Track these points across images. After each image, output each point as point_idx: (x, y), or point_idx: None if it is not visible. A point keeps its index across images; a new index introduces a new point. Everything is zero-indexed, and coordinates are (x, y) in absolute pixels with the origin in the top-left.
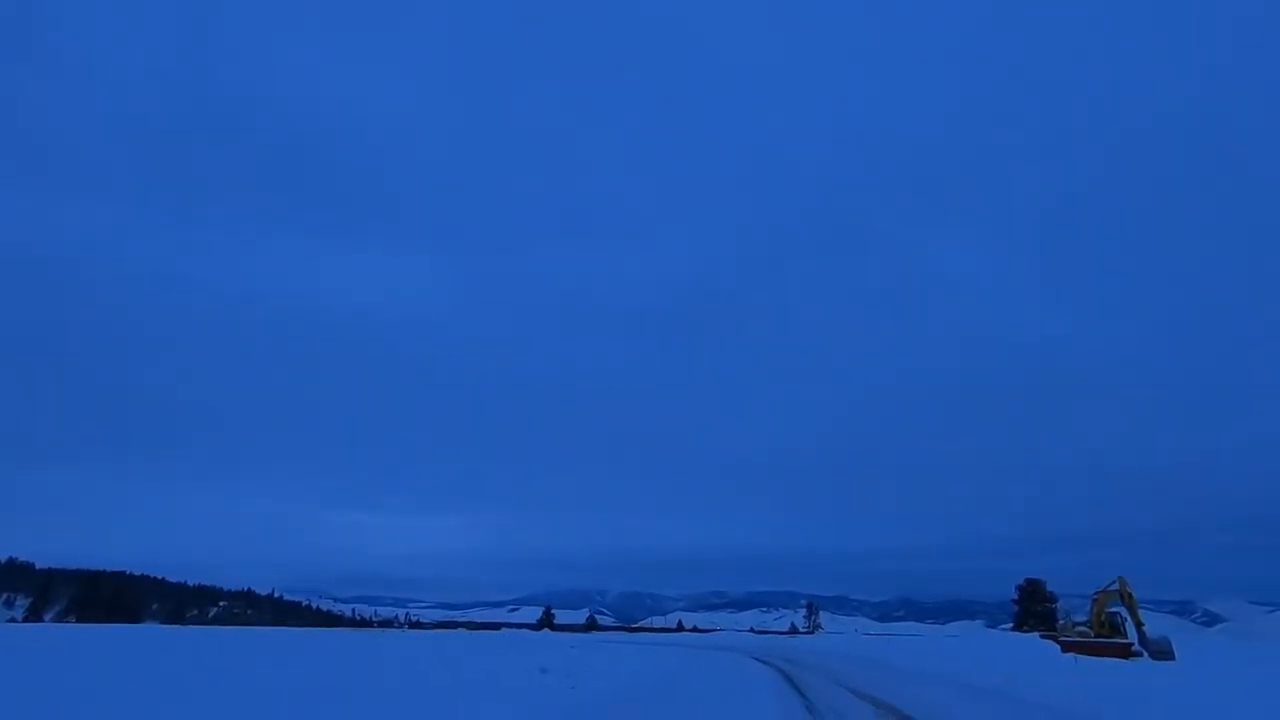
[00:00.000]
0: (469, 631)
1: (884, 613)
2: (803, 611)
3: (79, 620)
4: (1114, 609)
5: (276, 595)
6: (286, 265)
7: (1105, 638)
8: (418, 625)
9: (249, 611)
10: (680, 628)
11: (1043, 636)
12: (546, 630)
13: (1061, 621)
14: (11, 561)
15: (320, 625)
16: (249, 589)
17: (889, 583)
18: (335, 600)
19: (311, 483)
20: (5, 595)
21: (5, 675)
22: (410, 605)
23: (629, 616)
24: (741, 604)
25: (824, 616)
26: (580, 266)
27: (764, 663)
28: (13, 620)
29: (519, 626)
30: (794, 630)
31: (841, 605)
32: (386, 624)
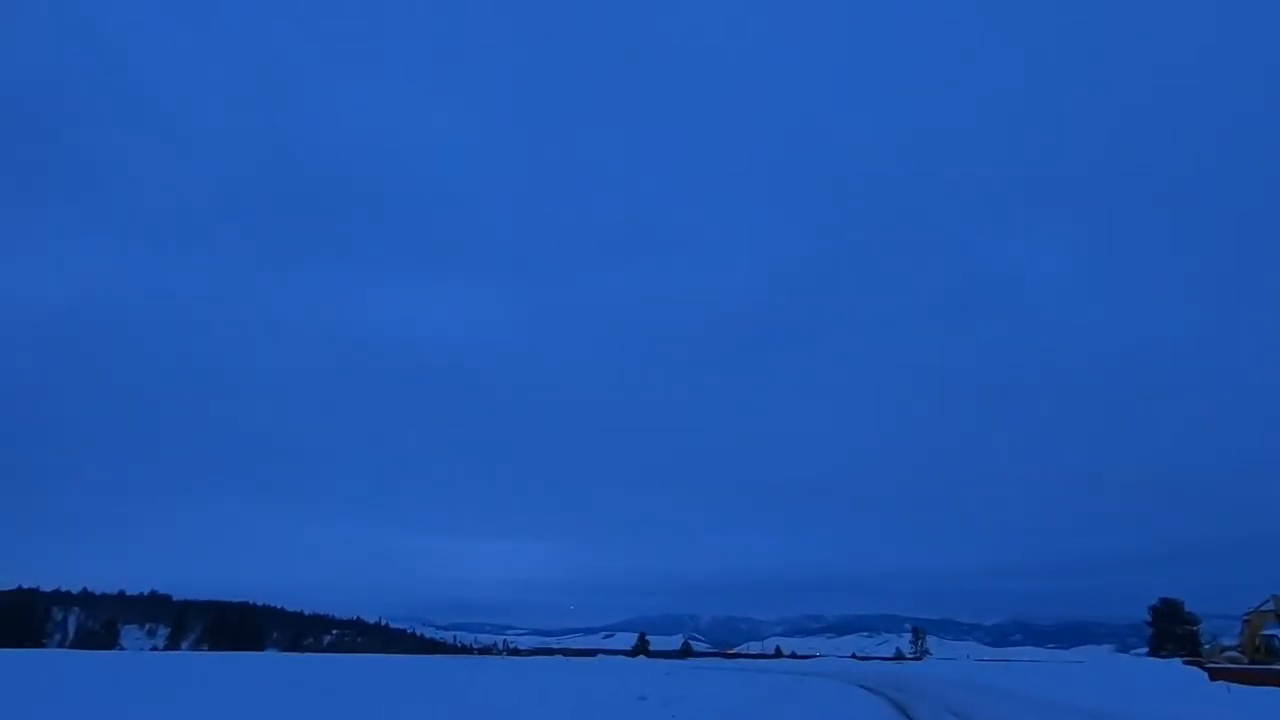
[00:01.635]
0: (565, 658)
1: (997, 637)
2: (908, 636)
3: (211, 648)
4: (1271, 631)
5: (383, 623)
6: (371, 303)
7: (1261, 663)
8: (516, 652)
9: (359, 639)
10: (778, 653)
11: (1186, 663)
12: (642, 656)
13: (1207, 645)
14: (152, 594)
15: (424, 652)
16: (358, 617)
17: (1000, 604)
18: (436, 627)
19: (410, 513)
20: (148, 625)
21: (213, 700)
22: (507, 632)
23: (724, 642)
24: (841, 628)
25: (931, 641)
26: (646, 288)
27: (870, 690)
28: (155, 648)
29: (614, 653)
30: (899, 656)
31: (949, 629)
32: (486, 650)
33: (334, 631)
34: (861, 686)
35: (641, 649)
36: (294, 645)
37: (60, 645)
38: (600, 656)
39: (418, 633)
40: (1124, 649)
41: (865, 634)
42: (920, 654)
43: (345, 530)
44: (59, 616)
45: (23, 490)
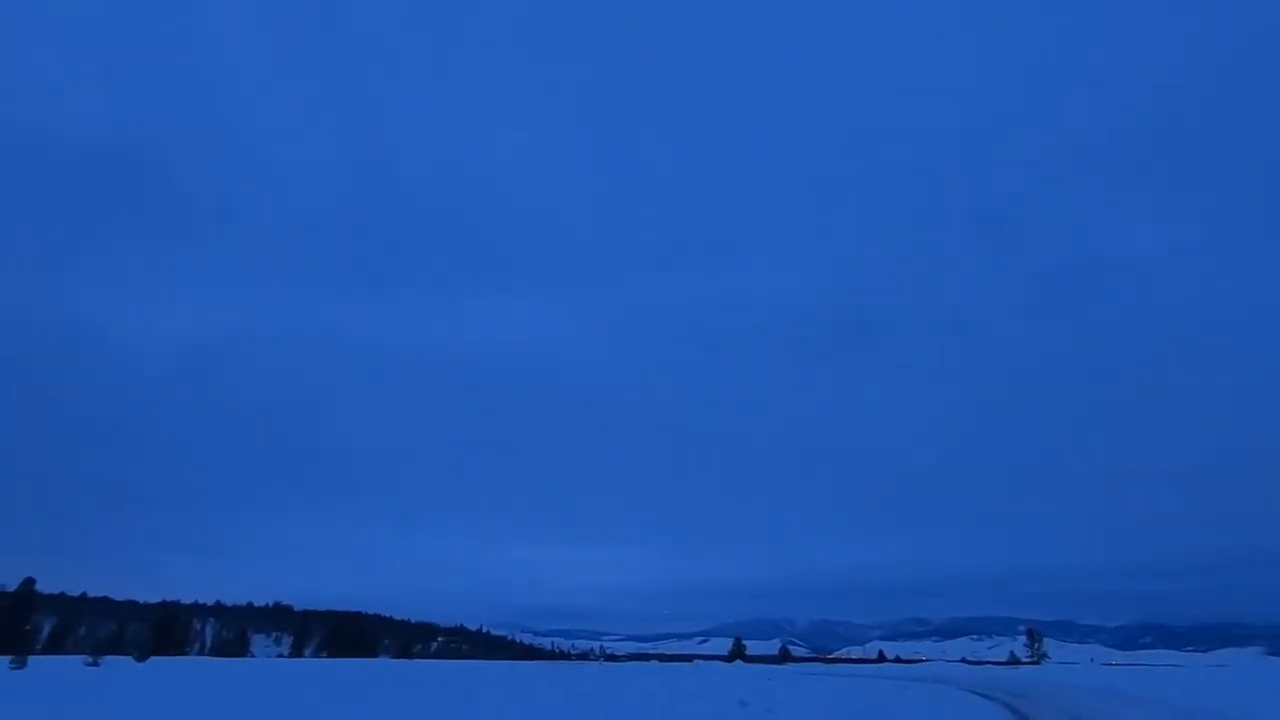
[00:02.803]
0: (661, 664)
1: (1124, 639)
2: (1022, 639)
3: (330, 655)
4: None
5: (484, 630)
6: (459, 322)
7: None
8: (612, 658)
9: (463, 646)
10: (881, 658)
11: None
12: (739, 662)
13: None
14: (277, 605)
15: (524, 658)
16: (461, 625)
17: (1126, 605)
18: (535, 634)
19: (507, 523)
20: (274, 634)
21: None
22: (602, 638)
23: (822, 647)
24: (947, 631)
25: (1049, 644)
26: (720, 291)
27: (986, 697)
28: (281, 655)
29: (710, 658)
30: (1014, 660)
31: (1068, 631)
32: (583, 656)
33: (439, 639)
34: (973, 692)
35: (738, 654)
36: (404, 652)
37: (199, 654)
38: (697, 662)
39: (517, 639)
40: (1275, 651)
41: (975, 637)
42: (1038, 657)
43: (447, 542)
44: (198, 627)
45: (165, 512)
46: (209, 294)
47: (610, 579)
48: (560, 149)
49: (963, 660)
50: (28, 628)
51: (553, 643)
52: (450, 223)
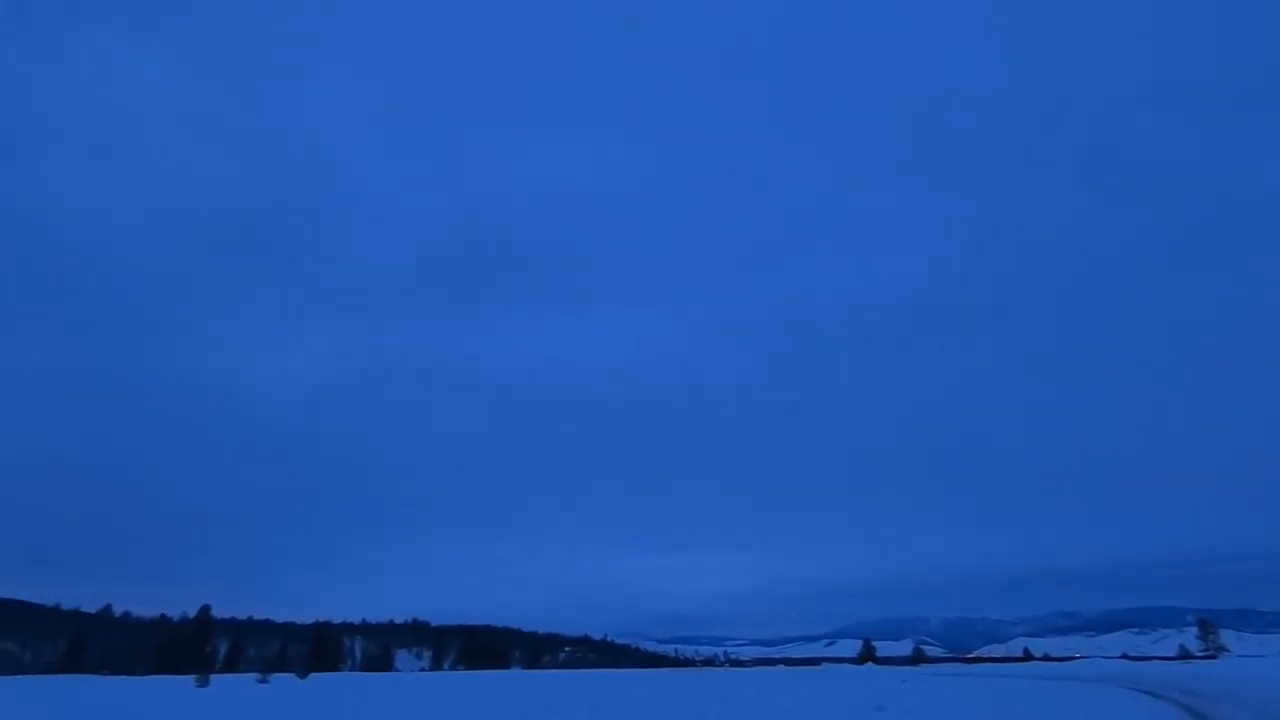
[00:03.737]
0: (788, 668)
1: None
2: (1192, 631)
3: (466, 668)
4: None
5: (608, 639)
6: (560, 337)
7: None
8: (738, 663)
9: (589, 655)
10: (1027, 656)
11: None
12: (870, 664)
13: None
14: (414, 621)
15: (649, 666)
16: (585, 635)
17: None
18: (657, 642)
19: (624, 533)
20: (415, 649)
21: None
22: (725, 643)
23: (960, 646)
24: (1102, 625)
25: (1226, 636)
26: (816, 284)
27: (1154, 695)
28: (422, 669)
29: (839, 661)
30: (1185, 655)
31: (1248, 621)
32: (708, 663)
33: (566, 649)
34: (1140, 690)
35: (868, 656)
36: (533, 663)
37: (350, 670)
38: (825, 665)
39: (641, 647)
40: None
41: (1136, 631)
42: (1214, 651)
43: (568, 555)
44: (348, 645)
45: (312, 539)
46: (329, 336)
47: (730, 584)
48: (634, 160)
49: (1124, 656)
50: (207, 649)
51: (675, 649)
52: (537, 245)
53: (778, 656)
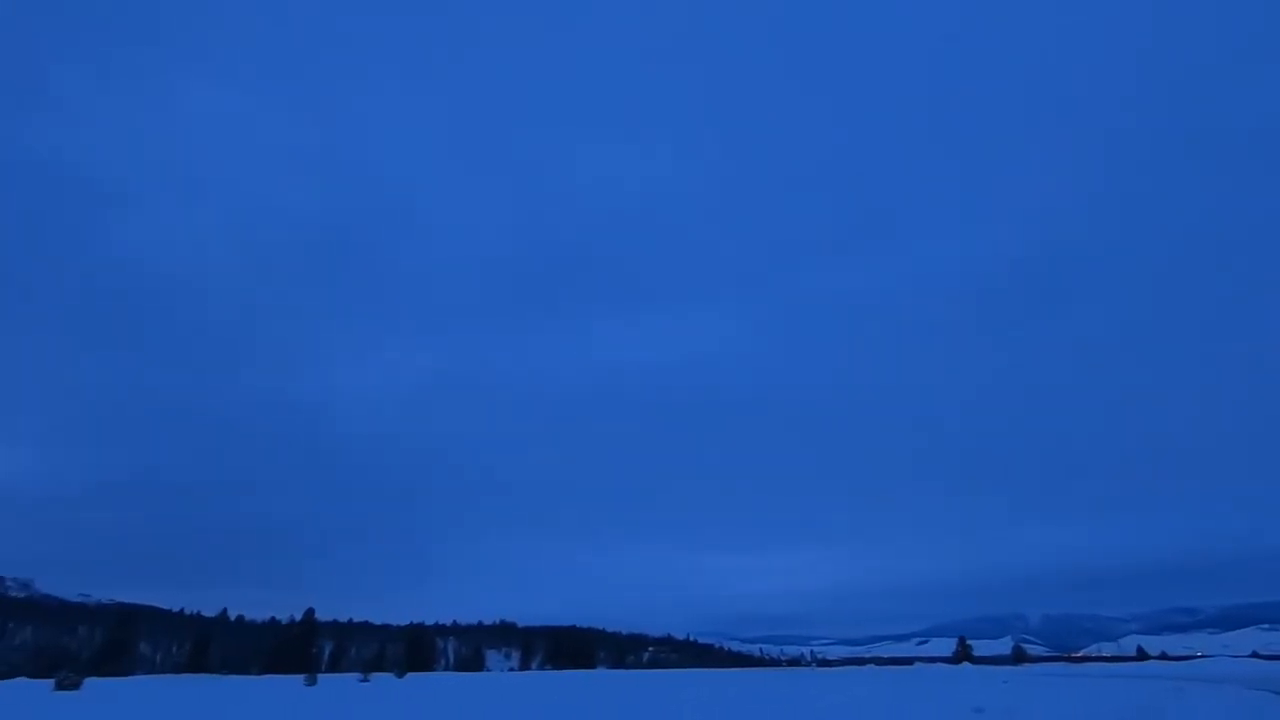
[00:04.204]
0: (878, 667)
1: None
2: None
3: (554, 668)
4: None
5: (691, 639)
6: (636, 340)
7: None
8: (825, 663)
9: (673, 655)
10: (1141, 655)
11: None
12: (965, 663)
13: None
14: (502, 623)
15: (734, 666)
16: (669, 634)
17: None
18: (741, 641)
19: (706, 533)
20: (504, 650)
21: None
22: (811, 642)
23: (1064, 644)
24: (1225, 622)
25: None
26: (884, 274)
27: None
28: (511, 669)
29: (931, 660)
30: None
31: None
32: (794, 662)
33: (650, 649)
34: (1276, 694)
35: (964, 655)
36: (619, 663)
37: (444, 669)
38: (918, 665)
39: (725, 647)
40: None
41: (1266, 627)
42: None
43: (649, 556)
44: (440, 645)
45: (405, 544)
46: (405, 351)
47: (815, 582)
48: (688, 160)
49: (1253, 655)
50: (313, 650)
51: (760, 649)
52: (600, 250)
53: (866, 656)
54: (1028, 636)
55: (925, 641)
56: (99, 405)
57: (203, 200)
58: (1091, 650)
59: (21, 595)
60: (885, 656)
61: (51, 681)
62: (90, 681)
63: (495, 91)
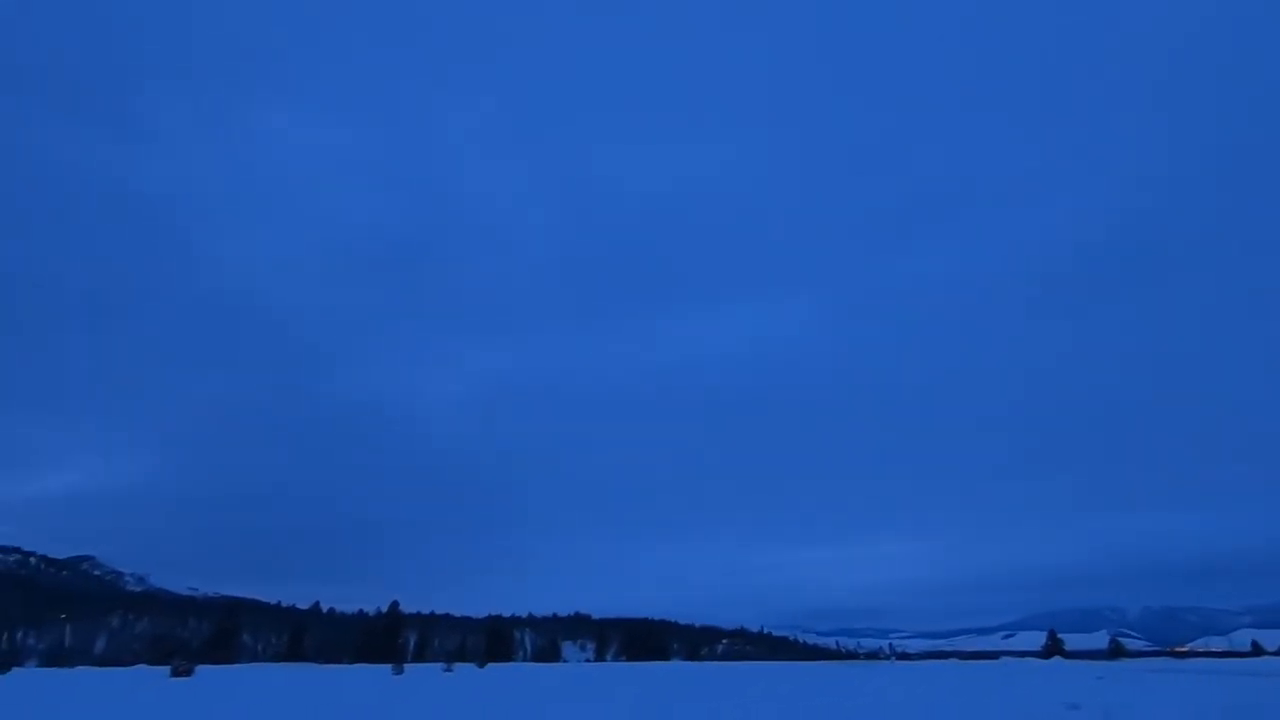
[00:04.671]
0: (961, 661)
1: None
2: None
3: (628, 659)
4: None
5: (765, 631)
6: (701, 335)
7: None
8: (905, 656)
9: (748, 648)
10: (1257, 650)
11: None
12: (1057, 658)
13: None
14: (577, 615)
15: (809, 659)
16: (742, 627)
17: None
18: (817, 634)
19: (778, 525)
20: (580, 641)
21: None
22: (890, 635)
23: (1165, 638)
24: None
25: None
26: (963, 247)
27: None
28: (587, 660)
29: (1020, 654)
30: None
31: None
32: (873, 656)
33: (724, 641)
34: None
35: (1054, 649)
36: (693, 655)
37: (522, 660)
38: (1004, 659)
39: (800, 639)
40: None
41: None
42: None
43: (719, 548)
44: (518, 637)
45: (482, 539)
46: (475, 352)
47: (893, 574)
48: (747, 153)
49: None
50: (399, 641)
51: (837, 642)
52: (662, 246)
53: (949, 650)
54: (1125, 630)
55: (1011, 635)
56: (205, 416)
57: (288, 222)
58: (1198, 645)
59: (139, 589)
60: (969, 650)
61: (168, 668)
62: (201, 669)
63: (553, 96)
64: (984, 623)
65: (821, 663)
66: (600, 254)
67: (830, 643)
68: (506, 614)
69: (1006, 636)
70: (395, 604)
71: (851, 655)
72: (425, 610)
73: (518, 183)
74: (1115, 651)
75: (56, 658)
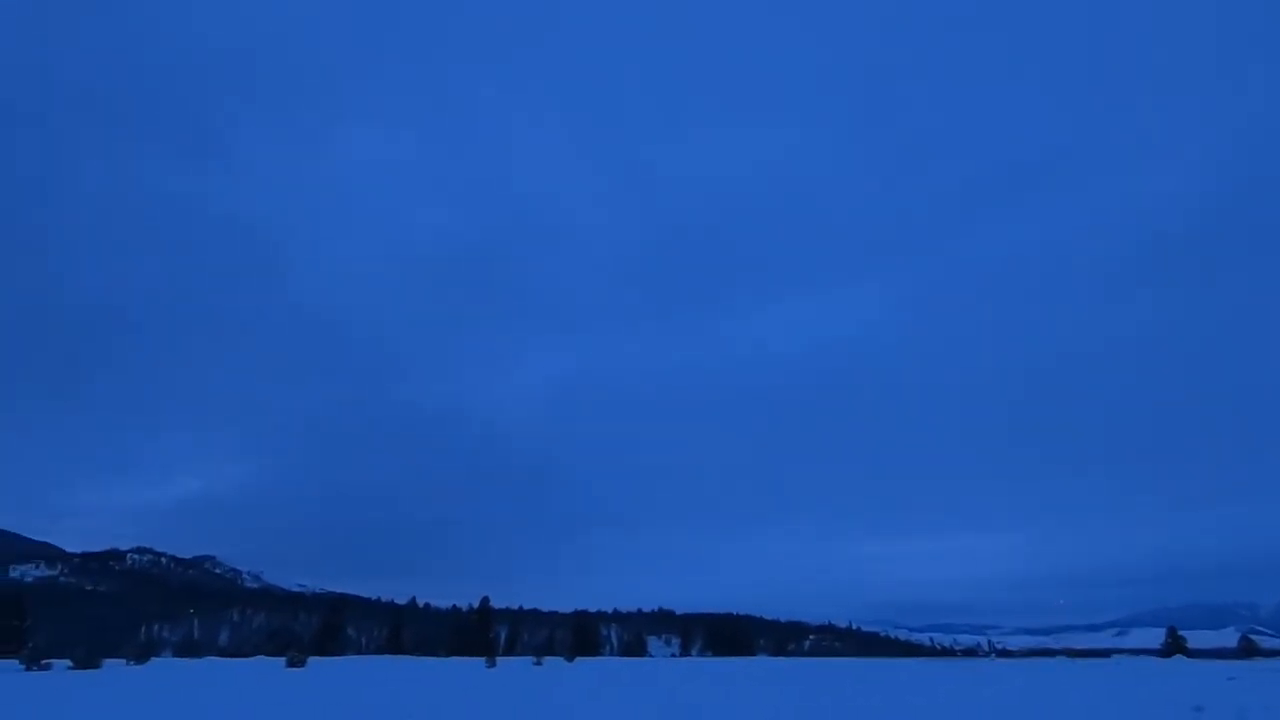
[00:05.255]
0: (1069, 659)
1: None
2: None
3: (714, 655)
4: None
5: (854, 627)
6: (773, 322)
7: None
8: (1005, 653)
9: (836, 644)
10: None
11: None
12: (1178, 656)
13: None
14: (660, 610)
15: (902, 655)
16: (829, 622)
17: None
18: (909, 630)
19: (859, 518)
20: (664, 636)
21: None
22: (988, 632)
23: None
24: None
25: None
26: (1052, 222)
27: None
28: (673, 655)
29: (1135, 653)
30: None
31: None
32: (970, 653)
33: (811, 637)
34: None
35: (1175, 647)
36: (779, 650)
37: (609, 654)
38: (1117, 657)
39: (891, 635)
40: None
41: None
42: None
43: (802, 542)
44: (604, 631)
45: (566, 536)
46: (550, 353)
47: (988, 568)
48: (822, 134)
49: None
50: (491, 636)
51: (930, 638)
52: (736, 237)
53: (1055, 647)
54: (1258, 627)
55: (1124, 632)
56: (305, 425)
57: (364, 235)
58: None
59: (254, 586)
60: (1077, 648)
61: (283, 660)
62: (313, 660)
63: (613, 92)
64: (1093, 619)
65: (917, 659)
66: (665, 248)
67: (924, 639)
68: (592, 609)
69: (1118, 634)
70: (485, 599)
71: (948, 652)
72: (513, 605)
73: (581, 182)
74: (1247, 650)
75: (187, 649)
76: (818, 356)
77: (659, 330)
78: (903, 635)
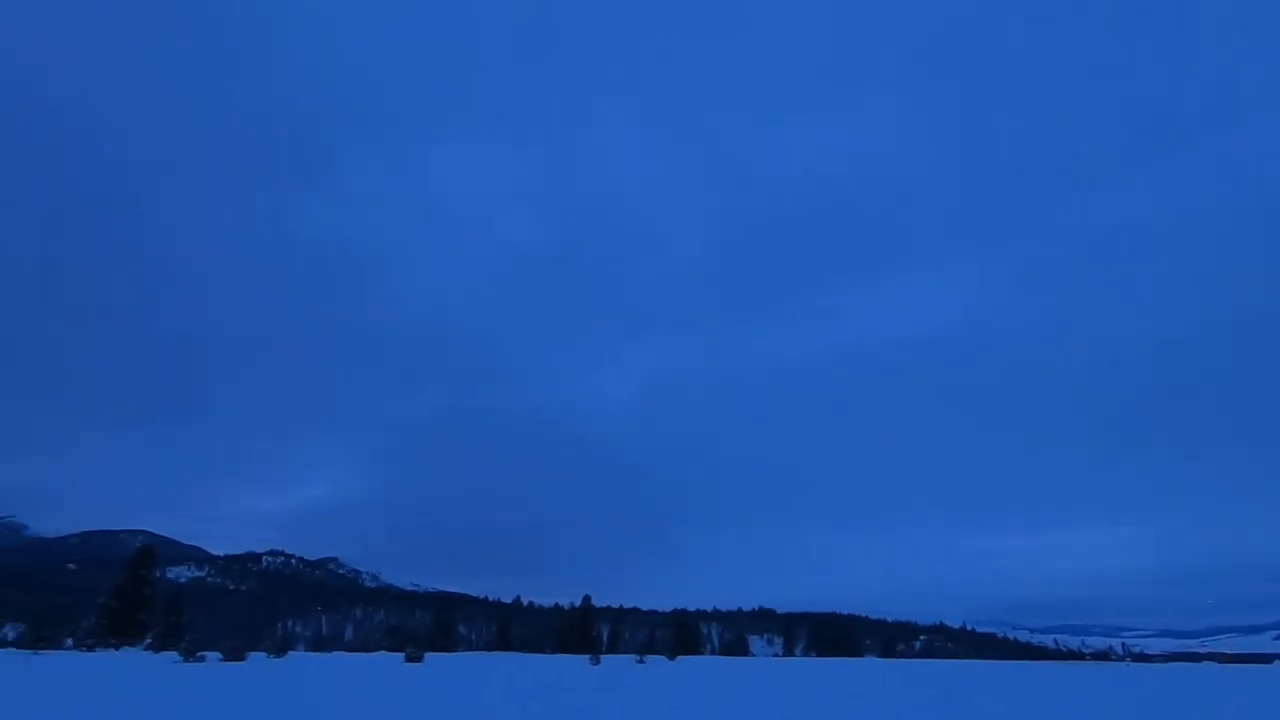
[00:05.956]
0: (1220, 665)
1: None
2: None
3: (818, 654)
4: None
5: (968, 627)
6: (862, 315)
7: None
8: (1142, 658)
9: (949, 644)
10: None
11: None
12: None
13: None
14: (761, 609)
15: (1022, 657)
16: (941, 622)
17: None
18: (1030, 631)
19: (968, 513)
20: (766, 635)
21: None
22: (1121, 634)
23: None
24: None
25: None
26: (1179, 193)
27: None
28: (775, 655)
29: None
30: None
31: None
32: (1101, 656)
33: (921, 637)
34: None
35: None
36: (887, 651)
37: (710, 653)
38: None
39: (1009, 636)
40: None
41: None
42: None
43: (914, 538)
44: (704, 630)
45: (665, 534)
46: (639, 352)
47: (1119, 564)
48: (920, 114)
49: None
50: (593, 634)
51: (1054, 639)
52: (837, 225)
53: (1202, 651)
54: None
55: None
56: (416, 433)
57: (463, 246)
58: None
59: (373, 585)
60: (1230, 653)
61: (402, 655)
62: (429, 656)
63: (700, 84)
64: (1248, 620)
65: (1040, 663)
66: (759, 239)
67: (1047, 640)
68: (692, 608)
69: (1278, 637)
70: (587, 598)
71: (1075, 655)
72: (615, 604)
73: (671, 176)
74: None
75: (319, 643)
76: (920, 343)
77: (755, 322)
78: (1023, 637)
